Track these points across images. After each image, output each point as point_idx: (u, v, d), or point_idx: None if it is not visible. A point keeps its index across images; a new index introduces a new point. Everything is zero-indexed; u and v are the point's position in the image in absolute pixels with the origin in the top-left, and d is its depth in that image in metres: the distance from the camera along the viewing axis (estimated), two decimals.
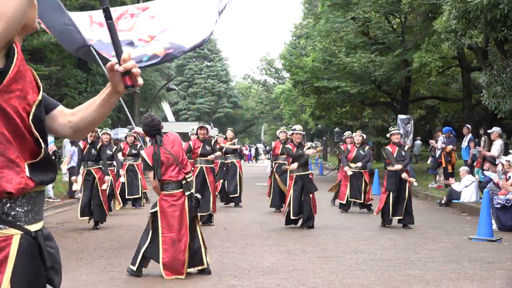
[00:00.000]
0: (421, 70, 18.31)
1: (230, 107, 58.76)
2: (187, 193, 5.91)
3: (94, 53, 6.06)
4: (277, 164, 11.87)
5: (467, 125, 15.11)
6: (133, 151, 12.69)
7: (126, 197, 12.50)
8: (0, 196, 1.67)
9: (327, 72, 22.27)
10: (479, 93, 15.28)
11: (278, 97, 45.99)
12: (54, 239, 1.90)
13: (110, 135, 11.08)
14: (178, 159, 5.89)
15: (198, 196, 6.02)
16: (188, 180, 5.96)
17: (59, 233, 8.92)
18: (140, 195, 12.78)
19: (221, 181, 12.77)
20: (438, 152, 15.63)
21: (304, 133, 9.92)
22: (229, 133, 13.44)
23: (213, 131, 29.17)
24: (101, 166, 9.62)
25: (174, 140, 6.01)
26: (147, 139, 6.68)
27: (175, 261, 5.80)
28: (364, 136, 12.63)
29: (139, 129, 6.67)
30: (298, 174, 9.37)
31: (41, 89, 1.80)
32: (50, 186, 12.73)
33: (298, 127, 10.04)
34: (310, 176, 9.59)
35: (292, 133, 9.81)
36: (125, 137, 13.53)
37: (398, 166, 9.36)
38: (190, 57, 59.61)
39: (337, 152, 18.79)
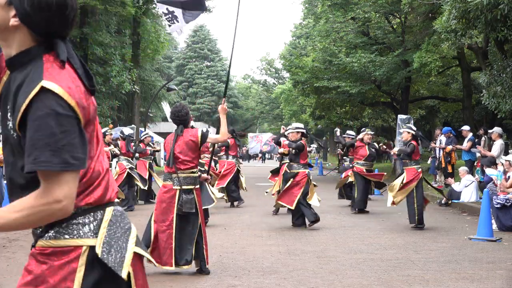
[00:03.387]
0: (421, 70, 18.31)
1: (230, 107, 58.76)
2: (177, 187, 5.88)
3: None
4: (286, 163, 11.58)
5: (465, 127, 15.05)
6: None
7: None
8: None
9: (327, 72, 22.28)
10: (479, 93, 15.27)
11: (278, 97, 46.02)
12: None
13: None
14: (173, 153, 5.89)
15: (188, 197, 5.87)
16: (180, 175, 5.86)
17: None
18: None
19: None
20: (438, 152, 15.59)
21: (297, 131, 9.77)
22: None
23: (211, 131, 29.18)
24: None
25: (183, 137, 5.95)
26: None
27: (160, 251, 5.84)
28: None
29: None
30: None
31: None
32: None
33: (298, 125, 10.05)
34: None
35: (288, 132, 9.88)
36: (143, 137, 13.97)
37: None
38: (190, 57, 59.66)
39: (337, 152, 18.77)
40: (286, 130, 10.39)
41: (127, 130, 12.83)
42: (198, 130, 6.09)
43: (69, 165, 1.55)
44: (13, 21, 1.61)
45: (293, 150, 9.47)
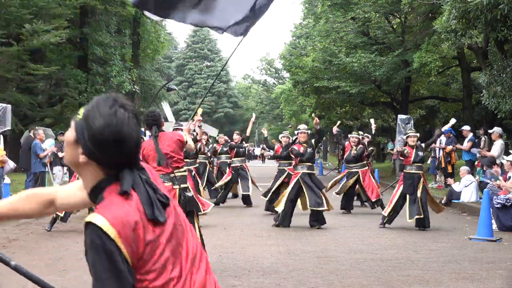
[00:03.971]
0: (421, 70, 18.31)
1: (230, 107, 58.79)
2: (176, 186, 5.87)
3: None
4: (278, 169, 11.26)
5: (466, 127, 15.04)
6: None
7: None
8: None
9: (327, 72, 22.29)
10: (479, 93, 15.27)
11: (278, 97, 46.06)
12: None
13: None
14: (166, 153, 5.87)
15: (188, 194, 5.89)
16: (177, 174, 5.89)
17: (59, 233, 8.93)
18: None
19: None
20: (438, 152, 15.58)
21: (309, 131, 9.94)
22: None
23: (213, 131, 29.18)
24: None
25: (170, 138, 5.97)
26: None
27: None
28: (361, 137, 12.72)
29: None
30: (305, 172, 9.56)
31: None
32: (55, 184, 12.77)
33: (303, 126, 10.11)
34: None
35: (298, 133, 9.91)
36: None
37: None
38: (190, 57, 59.70)
39: (337, 152, 18.81)
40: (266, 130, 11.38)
41: None
42: (183, 133, 6.23)
43: None
44: (82, 158, 1.67)
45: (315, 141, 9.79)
